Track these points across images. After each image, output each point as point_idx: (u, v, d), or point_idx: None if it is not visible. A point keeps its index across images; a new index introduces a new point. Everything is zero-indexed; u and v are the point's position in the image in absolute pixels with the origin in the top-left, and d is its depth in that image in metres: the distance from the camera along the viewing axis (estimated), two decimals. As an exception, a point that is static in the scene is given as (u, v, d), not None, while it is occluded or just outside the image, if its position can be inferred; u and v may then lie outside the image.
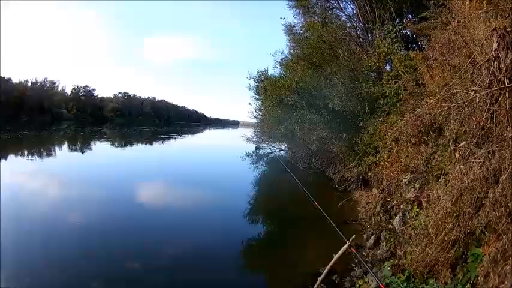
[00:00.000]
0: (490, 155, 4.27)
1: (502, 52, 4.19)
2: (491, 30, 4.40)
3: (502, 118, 4.31)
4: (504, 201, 3.77)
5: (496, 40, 4.25)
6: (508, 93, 4.18)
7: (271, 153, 22.18)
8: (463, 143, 5.13)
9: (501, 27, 4.33)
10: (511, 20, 4.88)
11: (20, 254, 6.51)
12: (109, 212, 9.86)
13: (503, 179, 3.91)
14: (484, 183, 4.18)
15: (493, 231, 3.92)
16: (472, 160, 4.48)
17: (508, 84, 4.18)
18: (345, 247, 6.40)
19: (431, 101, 6.32)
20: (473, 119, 4.78)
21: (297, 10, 18.74)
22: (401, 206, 7.16)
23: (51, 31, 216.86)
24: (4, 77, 73.01)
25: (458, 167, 4.72)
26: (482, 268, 3.75)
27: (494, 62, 4.27)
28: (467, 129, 5.02)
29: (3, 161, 18.81)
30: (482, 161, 4.31)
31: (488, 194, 4.01)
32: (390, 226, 7.11)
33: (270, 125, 17.72)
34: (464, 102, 5.02)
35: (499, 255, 3.54)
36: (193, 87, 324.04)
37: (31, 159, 19.77)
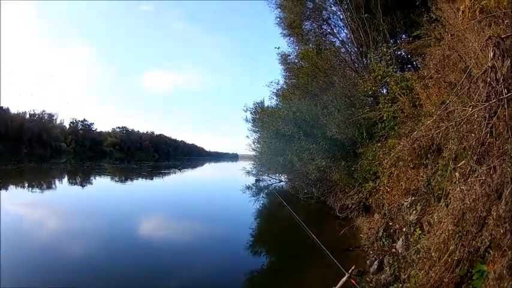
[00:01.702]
0: (491, 171, 4.14)
1: (498, 61, 4.11)
2: (486, 40, 4.34)
3: (501, 130, 4.18)
4: (508, 217, 3.61)
5: (491, 49, 4.18)
6: (506, 103, 4.06)
7: (271, 184, 21.99)
8: (463, 161, 4.99)
9: (495, 35, 4.26)
10: (505, 26, 4.83)
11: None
12: (113, 245, 9.75)
13: (506, 193, 3.76)
14: (486, 201, 4.04)
15: (497, 247, 3.76)
16: (473, 179, 4.35)
17: (506, 94, 4.07)
18: (344, 279, 6.21)
19: (428, 122, 6.23)
20: (472, 135, 4.67)
21: (291, 38, 19.10)
22: (404, 229, 7.02)
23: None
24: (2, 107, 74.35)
25: (459, 187, 4.59)
26: (488, 285, 3.56)
27: (490, 72, 4.18)
28: (467, 146, 4.89)
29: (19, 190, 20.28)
30: (483, 178, 4.19)
31: (492, 212, 3.86)
32: (393, 250, 6.95)
33: (269, 157, 17.61)
34: (462, 120, 4.91)
35: (504, 271, 3.40)
36: (192, 121, 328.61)
37: (40, 192, 20.12)
